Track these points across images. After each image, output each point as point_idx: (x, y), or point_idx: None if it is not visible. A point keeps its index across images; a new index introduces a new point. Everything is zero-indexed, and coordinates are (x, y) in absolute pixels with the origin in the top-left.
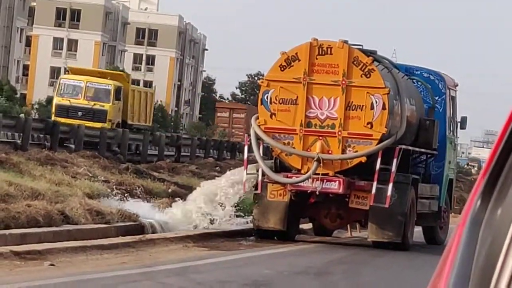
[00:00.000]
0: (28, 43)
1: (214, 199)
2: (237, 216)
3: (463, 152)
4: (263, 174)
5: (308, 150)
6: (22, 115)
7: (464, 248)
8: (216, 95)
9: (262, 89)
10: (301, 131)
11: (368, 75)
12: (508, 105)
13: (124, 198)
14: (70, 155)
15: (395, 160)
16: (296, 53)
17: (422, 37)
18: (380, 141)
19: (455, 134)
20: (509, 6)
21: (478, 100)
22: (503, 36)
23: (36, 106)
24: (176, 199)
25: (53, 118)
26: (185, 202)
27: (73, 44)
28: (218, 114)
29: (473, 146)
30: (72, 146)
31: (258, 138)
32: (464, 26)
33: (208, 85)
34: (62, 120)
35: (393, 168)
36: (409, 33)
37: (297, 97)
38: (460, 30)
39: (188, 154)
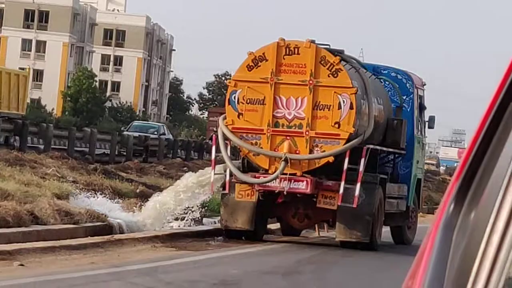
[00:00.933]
0: None
1: (182, 198)
2: (205, 216)
3: (431, 152)
4: (231, 174)
5: (276, 150)
6: None
7: (438, 251)
8: (184, 96)
9: (229, 89)
10: (269, 131)
11: (335, 75)
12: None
13: (93, 198)
14: (39, 156)
15: (362, 160)
16: (264, 53)
17: (389, 36)
18: (348, 140)
19: (423, 133)
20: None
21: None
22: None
23: None
24: (144, 200)
25: None
26: (153, 200)
27: (41, 46)
28: (211, 118)
29: (441, 145)
30: (41, 146)
31: (225, 138)
32: (432, 26)
33: (176, 86)
34: None
35: (361, 168)
36: (377, 32)
37: (265, 97)
38: (429, 30)
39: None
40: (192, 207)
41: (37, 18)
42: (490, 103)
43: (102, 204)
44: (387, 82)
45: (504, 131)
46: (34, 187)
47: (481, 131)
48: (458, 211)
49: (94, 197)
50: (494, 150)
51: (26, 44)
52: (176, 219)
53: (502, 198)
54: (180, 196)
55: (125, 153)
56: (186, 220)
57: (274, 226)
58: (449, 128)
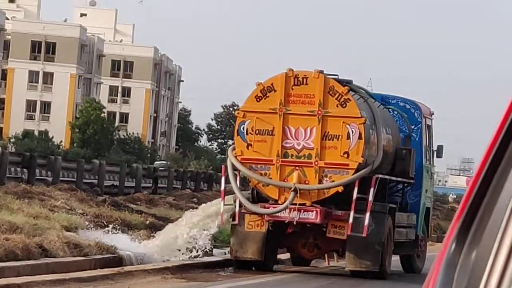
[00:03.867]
0: (4, 77)
1: (191, 229)
2: (215, 246)
3: (439, 180)
4: (241, 205)
5: (285, 180)
6: None
7: None
8: (192, 126)
9: (238, 120)
10: (278, 161)
11: (344, 105)
12: (484, 133)
13: (102, 231)
14: (47, 188)
15: (372, 190)
16: (272, 84)
17: (398, 66)
18: (357, 170)
19: (431, 162)
20: (485, 35)
21: (455, 128)
22: (479, 65)
23: (13, 139)
24: (154, 231)
25: None
26: (163, 231)
27: (48, 77)
28: None
29: (449, 174)
30: (50, 179)
31: (235, 169)
32: (440, 55)
33: (184, 116)
34: None
35: (370, 198)
36: (385, 62)
37: (274, 127)
38: (436, 59)
39: (165, 185)
40: (202, 238)
41: (44, 50)
42: (489, 144)
43: (111, 236)
44: (395, 112)
45: (503, 173)
46: (43, 220)
47: (481, 172)
48: (459, 250)
49: (103, 229)
50: (493, 191)
51: (33, 76)
52: (186, 250)
53: (501, 238)
54: (190, 228)
55: (134, 185)
56: (196, 251)
57: (284, 256)
58: (458, 157)
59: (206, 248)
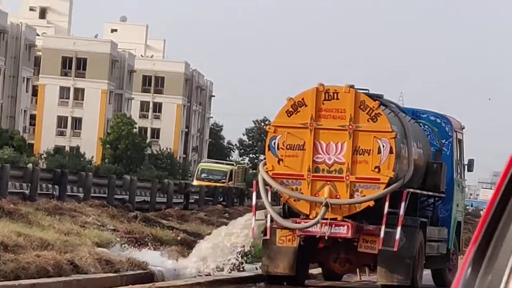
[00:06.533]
0: (35, 93)
1: (224, 244)
2: (247, 262)
3: (471, 194)
4: (272, 220)
5: (316, 195)
6: (29, 165)
7: None
8: (224, 142)
9: (269, 135)
10: (309, 176)
11: (375, 119)
12: None
13: (134, 247)
14: (78, 205)
15: (403, 204)
16: (303, 99)
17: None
18: (388, 185)
19: (462, 176)
20: None
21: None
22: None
23: (44, 155)
24: (185, 247)
25: None
26: (196, 247)
27: (79, 93)
28: None
29: (480, 187)
30: (81, 195)
31: (266, 184)
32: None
33: (216, 131)
34: None
35: (401, 212)
36: (417, 76)
37: (304, 142)
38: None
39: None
40: (234, 253)
41: (74, 66)
42: (503, 172)
43: (143, 252)
44: (426, 126)
45: None
46: (74, 236)
47: (495, 198)
48: (475, 274)
49: (135, 245)
50: (508, 216)
51: (64, 92)
52: (218, 266)
53: None
54: (222, 243)
55: (165, 201)
56: (230, 265)
57: (315, 271)
58: (489, 170)
59: (237, 263)
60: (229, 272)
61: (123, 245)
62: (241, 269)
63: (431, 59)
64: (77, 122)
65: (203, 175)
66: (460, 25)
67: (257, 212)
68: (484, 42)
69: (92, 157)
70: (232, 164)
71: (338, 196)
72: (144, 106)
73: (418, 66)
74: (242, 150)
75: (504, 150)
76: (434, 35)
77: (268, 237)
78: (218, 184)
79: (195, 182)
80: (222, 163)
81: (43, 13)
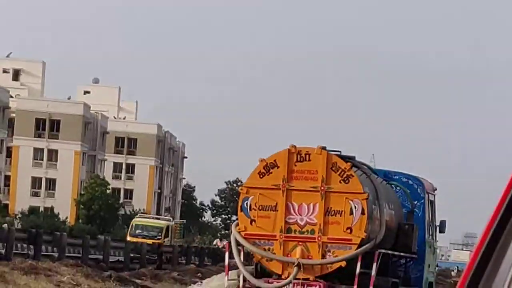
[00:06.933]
0: (9, 154)
1: None
2: None
3: (442, 255)
4: (245, 280)
5: (288, 255)
6: (5, 226)
7: None
8: (197, 202)
9: (241, 196)
10: (281, 237)
11: (347, 181)
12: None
13: None
14: (53, 264)
15: (374, 264)
16: (275, 160)
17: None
18: (360, 245)
19: (434, 237)
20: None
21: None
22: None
23: (19, 216)
24: None
25: None
26: None
27: (53, 154)
28: None
29: (452, 248)
30: (56, 255)
31: (238, 244)
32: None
33: (188, 192)
34: None
35: (373, 272)
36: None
37: (277, 203)
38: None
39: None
40: None
41: (48, 127)
42: (491, 216)
43: None
44: (398, 188)
45: (503, 247)
46: None
47: (478, 251)
48: None
49: None
50: (493, 265)
51: (38, 153)
52: None
53: None
54: None
55: (139, 261)
56: None
57: None
58: (461, 231)
59: None
60: None
61: None
62: None
63: (404, 122)
64: (51, 183)
65: (137, 231)
66: (432, 88)
67: (230, 272)
68: (451, 105)
69: (67, 217)
70: (169, 220)
71: (310, 257)
72: (117, 167)
73: (390, 129)
74: (215, 211)
75: (476, 212)
76: (405, 99)
77: None
78: (154, 241)
79: (129, 239)
80: (159, 219)
81: (16, 75)
